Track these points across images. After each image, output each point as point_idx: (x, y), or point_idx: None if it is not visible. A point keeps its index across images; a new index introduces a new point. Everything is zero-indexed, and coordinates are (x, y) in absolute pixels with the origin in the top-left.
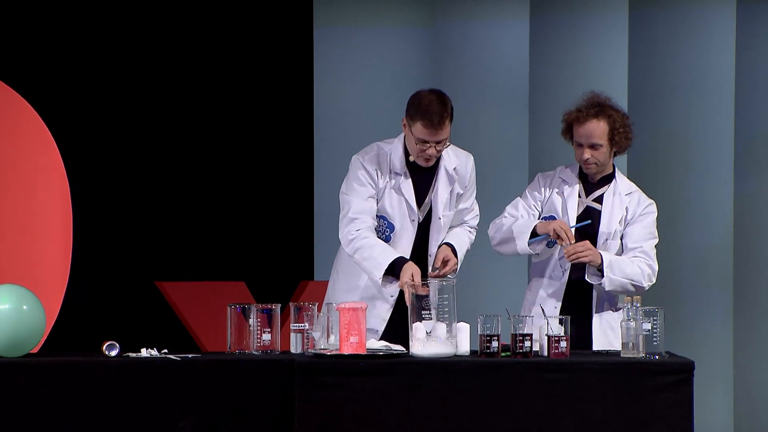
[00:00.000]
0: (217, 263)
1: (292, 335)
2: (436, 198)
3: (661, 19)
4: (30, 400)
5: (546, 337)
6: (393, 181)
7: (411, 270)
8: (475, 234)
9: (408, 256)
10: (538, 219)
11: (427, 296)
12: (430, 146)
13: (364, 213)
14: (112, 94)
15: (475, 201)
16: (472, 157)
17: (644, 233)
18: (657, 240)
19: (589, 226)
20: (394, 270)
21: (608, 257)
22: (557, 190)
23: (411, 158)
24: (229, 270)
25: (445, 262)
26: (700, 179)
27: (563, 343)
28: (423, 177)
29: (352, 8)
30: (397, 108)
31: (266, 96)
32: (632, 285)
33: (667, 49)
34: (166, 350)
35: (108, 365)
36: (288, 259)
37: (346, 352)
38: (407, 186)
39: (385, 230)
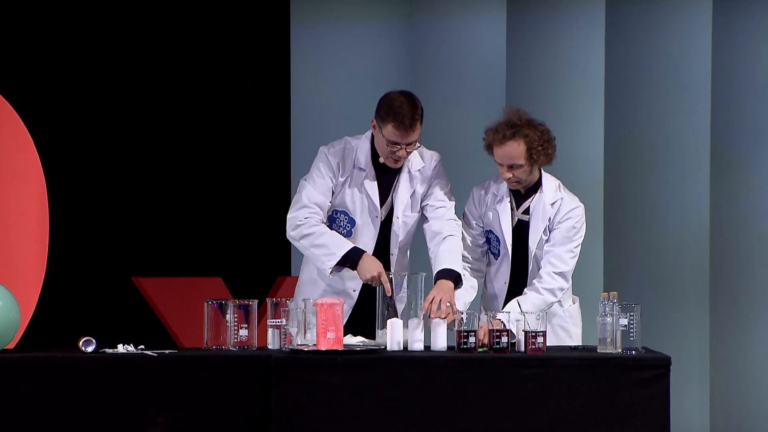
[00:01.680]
0: (194, 259)
1: (269, 331)
2: (396, 199)
3: (638, 15)
4: (5, 395)
5: (523, 333)
6: (355, 177)
7: (373, 264)
8: (460, 228)
9: (371, 253)
10: (481, 235)
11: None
12: (401, 148)
13: (317, 204)
14: (89, 90)
15: (450, 194)
16: (437, 154)
17: (559, 237)
18: (575, 242)
19: (519, 240)
20: (346, 261)
21: (511, 307)
22: (493, 206)
23: (381, 159)
24: (206, 266)
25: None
26: (677, 175)
27: (540, 339)
28: (387, 176)
29: (329, 5)
30: (373, 104)
31: (243, 93)
32: (551, 304)
33: (644, 45)
34: (143, 346)
35: (84, 361)
36: (265, 255)
37: (323, 348)
38: (371, 184)
39: (345, 225)
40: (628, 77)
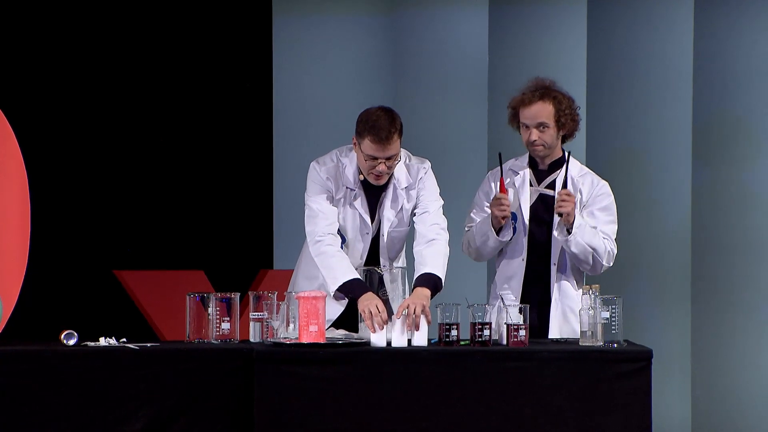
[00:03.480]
0: (176, 252)
1: (252, 324)
2: (383, 217)
3: (620, 8)
4: None
5: (505, 326)
6: (346, 196)
7: (372, 301)
8: (446, 236)
9: (363, 263)
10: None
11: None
12: (380, 162)
13: (330, 213)
14: (71, 83)
15: (437, 198)
16: (428, 163)
17: (603, 217)
18: (616, 225)
19: (545, 212)
20: (347, 290)
21: (580, 220)
22: (508, 181)
23: (363, 175)
24: (188, 259)
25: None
26: (658, 167)
27: (522, 332)
28: (375, 193)
29: None
30: (356, 97)
31: (225, 86)
32: (593, 256)
33: (626, 37)
34: (124, 339)
35: (66, 354)
36: (247, 248)
37: (305, 341)
38: (360, 202)
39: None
40: (611, 69)
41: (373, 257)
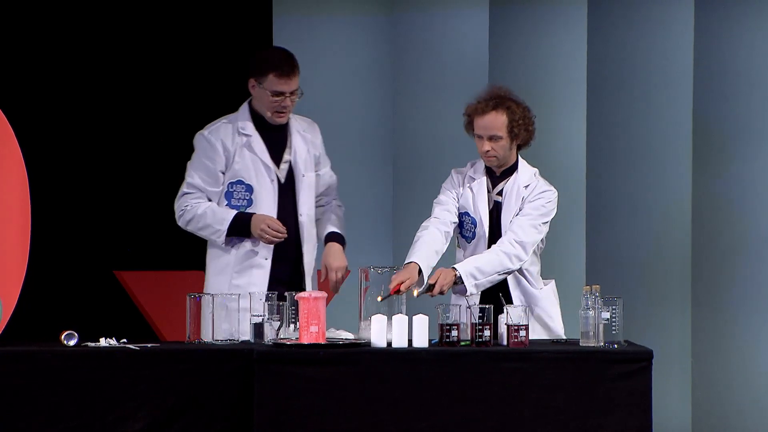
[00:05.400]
0: (176, 252)
1: (252, 324)
2: (296, 156)
3: (620, 9)
4: None
5: (505, 326)
6: (243, 144)
7: (258, 219)
8: (343, 209)
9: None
10: (454, 214)
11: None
12: (286, 97)
13: (196, 187)
14: (71, 83)
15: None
16: (315, 123)
17: (526, 211)
18: (542, 220)
19: (498, 218)
20: (235, 231)
21: (464, 268)
22: (468, 186)
23: (269, 114)
24: (188, 259)
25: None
26: (659, 168)
27: (522, 332)
28: (275, 136)
29: None
30: (356, 97)
31: (225, 86)
32: (502, 274)
33: (626, 38)
34: (125, 340)
35: (67, 355)
36: None
37: (305, 342)
38: (259, 144)
39: (244, 194)
40: (611, 71)
41: (287, 209)
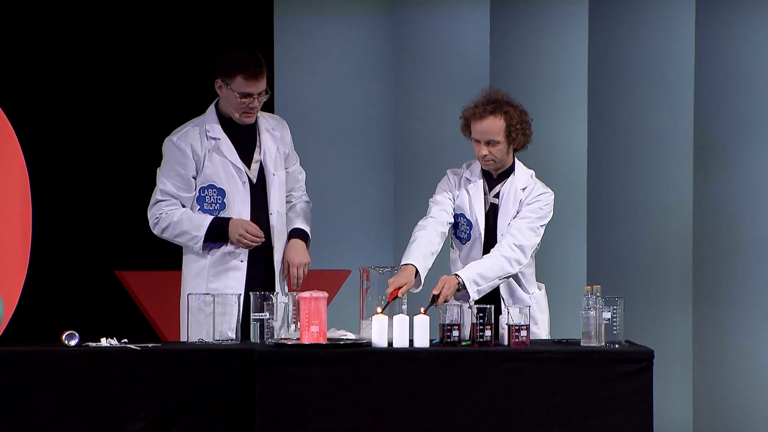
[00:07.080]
0: (177, 252)
1: (253, 324)
2: (266, 156)
3: (621, 8)
4: None
5: (506, 326)
6: (212, 148)
7: (236, 224)
8: (311, 205)
9: (249, 219)
10: (450, 214)
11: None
12: (254, 98)
13: (169, 194)
14: (72, 83)
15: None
16: (283, 120)
17: (524, 214)
18: (539, 222)
19: (494, 220)
20: (212, 237)
21: (466, 275)
22: (465, 188)
23: (237, 115)
24: None
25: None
26: (660, 168)
27: (523, 332)
28: (244, 136)
29: None
30: (356, 97)
31: None
32: (502, 279)
33: (627, 38)
34: (126, 340)
35: (68, 355)
36: None
37: (306, 342)
38: (228, 147)
39: (216, 198)
40: (612, 71)
41: (258, 209)
